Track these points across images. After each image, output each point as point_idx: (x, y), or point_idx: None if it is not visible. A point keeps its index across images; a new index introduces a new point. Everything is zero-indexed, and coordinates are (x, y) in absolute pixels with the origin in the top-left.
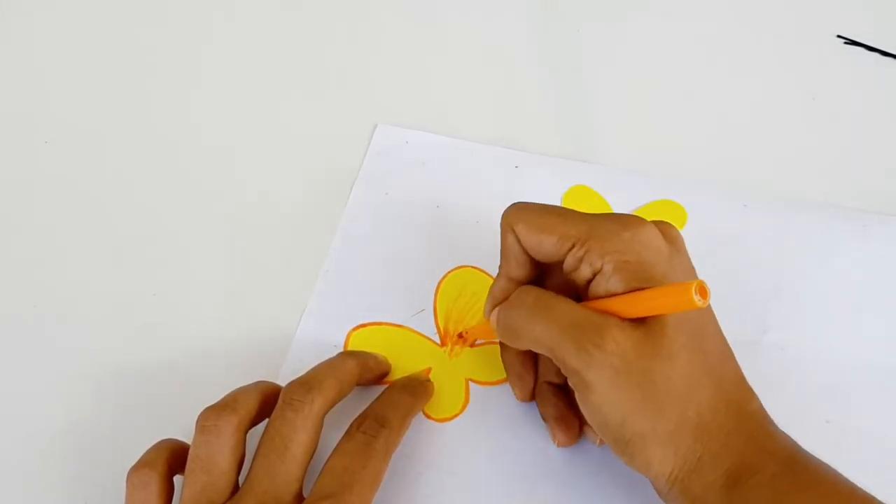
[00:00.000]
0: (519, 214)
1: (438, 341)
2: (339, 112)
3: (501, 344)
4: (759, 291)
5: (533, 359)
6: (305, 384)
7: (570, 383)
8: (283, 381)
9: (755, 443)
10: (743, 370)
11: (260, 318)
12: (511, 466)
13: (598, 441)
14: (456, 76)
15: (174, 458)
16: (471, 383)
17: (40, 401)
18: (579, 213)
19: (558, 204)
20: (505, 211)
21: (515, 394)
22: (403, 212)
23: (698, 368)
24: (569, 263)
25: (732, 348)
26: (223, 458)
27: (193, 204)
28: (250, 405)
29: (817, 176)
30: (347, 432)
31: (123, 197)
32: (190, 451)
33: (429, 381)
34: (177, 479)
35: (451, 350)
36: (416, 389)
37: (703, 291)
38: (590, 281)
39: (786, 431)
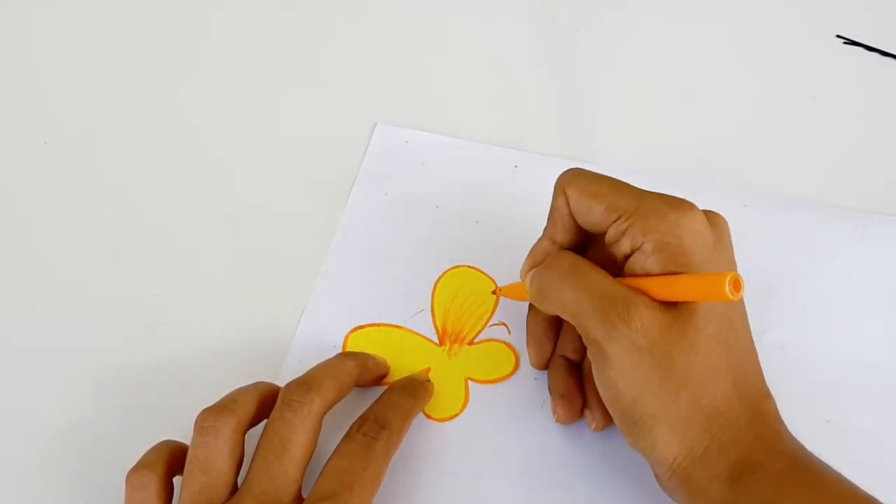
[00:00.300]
0: (573, 178)
1: (437, 341)
2: (338, 112)
3: (530, 306)
4: (758, 291)
5: (556, 328)
6: (304, 385)
7: (588, 354)
8: (282, 382)
9: (763, 441)
10: None
11: (260, 318)
12: (511, 466)
13: (594, 425)
14: (456, 76)
15: (173, 459)
16: (470, 382)
17: (40, 401)
18: (633, 187)
19: None
20: (561, 174)
21: (531, 358)
22: (403, 212)
23: (720, 360)
24: (611, 235)
25: None
26: (222, 459)
27: (193, 204)
28: (249, 406)
29: (817, 176)
30: (348, 434)
31: (123, 197)
32: (188, 452)
33: (428, 381)
34: (176, 480)
35: (450, 349)
36: (416, 390)
37: (736, 285)
38: (628, 256)
39: None
